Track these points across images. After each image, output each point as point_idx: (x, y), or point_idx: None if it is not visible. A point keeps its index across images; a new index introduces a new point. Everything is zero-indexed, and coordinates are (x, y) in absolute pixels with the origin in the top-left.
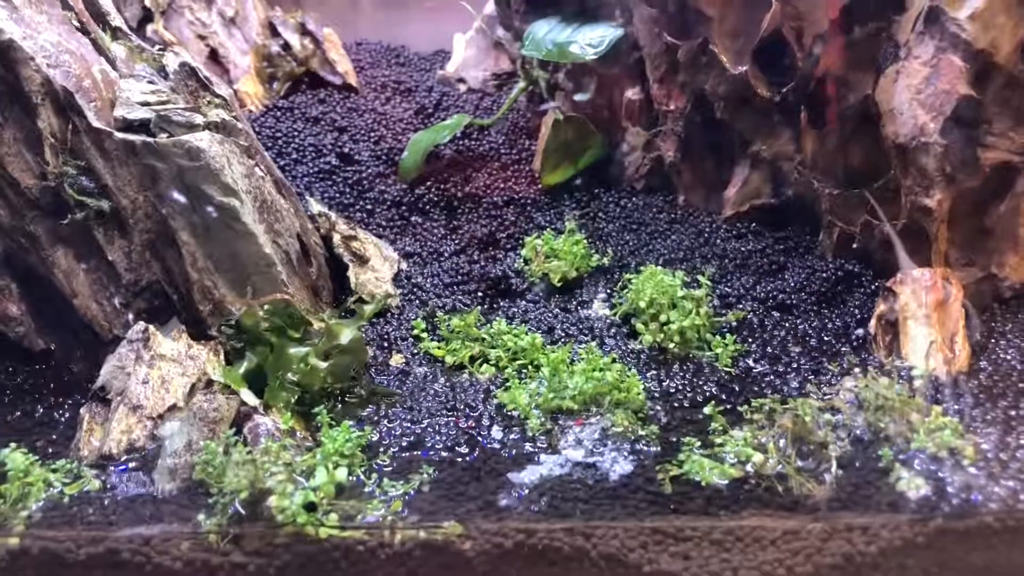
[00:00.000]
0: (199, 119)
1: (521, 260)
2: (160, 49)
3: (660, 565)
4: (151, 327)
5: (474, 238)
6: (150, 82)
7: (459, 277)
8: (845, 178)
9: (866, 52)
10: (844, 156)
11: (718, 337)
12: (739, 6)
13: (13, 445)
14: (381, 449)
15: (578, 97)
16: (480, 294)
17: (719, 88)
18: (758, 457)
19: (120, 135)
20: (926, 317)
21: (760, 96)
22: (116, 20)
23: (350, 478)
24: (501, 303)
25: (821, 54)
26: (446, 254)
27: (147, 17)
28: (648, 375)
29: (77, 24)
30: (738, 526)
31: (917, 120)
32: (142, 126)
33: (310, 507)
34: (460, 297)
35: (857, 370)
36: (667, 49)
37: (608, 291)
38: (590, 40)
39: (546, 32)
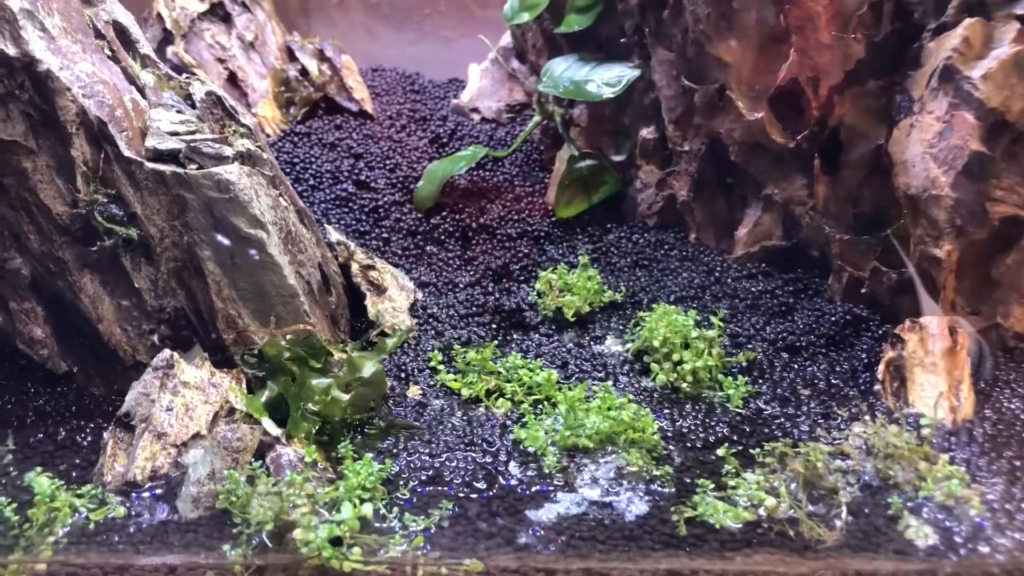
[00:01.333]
0: (228, 151)
1: (535, 293)
2: (186, 77)
3: None
4: (175, 354)
5: (488, 269)
6: (179, 111)
7: (474, 308)
8: (855, 224)
9: (880, 104)
10: (855, 203)
11: (729, 378)
12: (756, 54)
13: (39, 468)
14: (401, 482)
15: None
16: (494, 326)
17: (734, 132)
18: (770, 501)
19: (150, 165)
20: (933, 365)
21: (775, 142)
22: (145, 48)
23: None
24: (515, 335)
25: (836, 104)
26: (461, 285)
27: (167, 39)
28: (662, 414)
29: (109, 53)
30: (751, 570)
31: (929, 173)
32: (172, 156)
33: (335, 541)
34: (475, 329)
35: (866, 416)
36: (683, 92)
37: (621, 327)
38: (607, 79)
39: (563, 70)
